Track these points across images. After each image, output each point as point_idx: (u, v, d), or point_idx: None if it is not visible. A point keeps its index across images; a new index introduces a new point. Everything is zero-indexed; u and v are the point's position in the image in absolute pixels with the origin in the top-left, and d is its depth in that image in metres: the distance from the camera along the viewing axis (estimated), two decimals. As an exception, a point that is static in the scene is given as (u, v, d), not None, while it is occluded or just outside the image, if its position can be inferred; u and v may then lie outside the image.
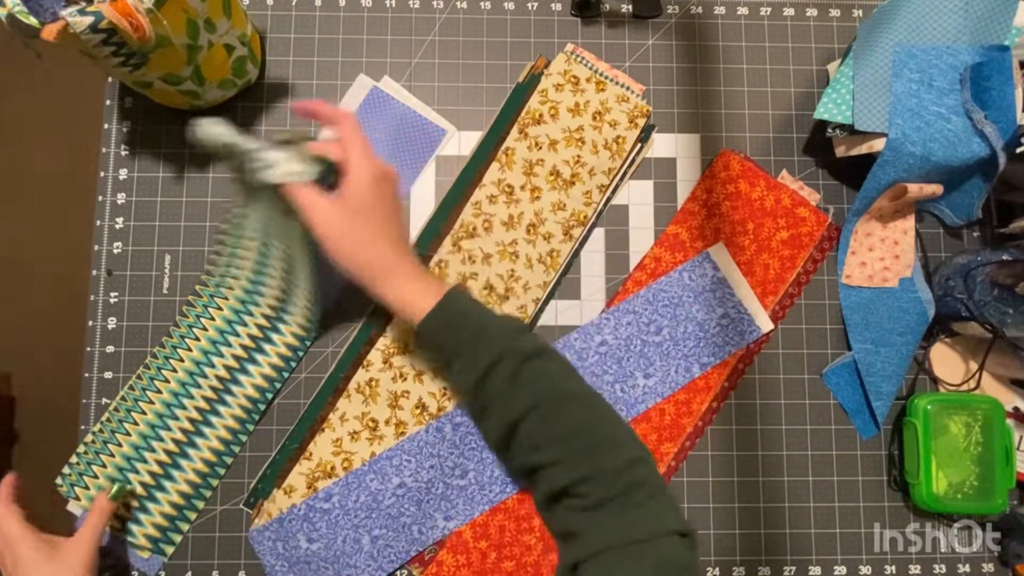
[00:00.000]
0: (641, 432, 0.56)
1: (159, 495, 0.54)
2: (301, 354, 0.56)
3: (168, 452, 0.54)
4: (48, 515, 0.53)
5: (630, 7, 0.61)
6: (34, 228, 1.30)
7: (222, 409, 0.55)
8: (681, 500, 0.57)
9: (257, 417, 0.55)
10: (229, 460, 0.55)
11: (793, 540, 0.56)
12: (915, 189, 0.53)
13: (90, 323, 0.57)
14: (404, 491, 0.54)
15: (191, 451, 0.54)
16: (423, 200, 0.59)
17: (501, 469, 0.54)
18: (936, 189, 0.54)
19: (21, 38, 0.41)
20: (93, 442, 0.54)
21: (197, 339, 0.56)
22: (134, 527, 0.54)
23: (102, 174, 0.58)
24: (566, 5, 0.62)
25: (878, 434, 0.58)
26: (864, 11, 0.63)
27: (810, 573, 0.56)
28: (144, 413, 0.55)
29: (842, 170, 0.60)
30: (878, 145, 0.54)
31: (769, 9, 0.62)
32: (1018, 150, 0.53)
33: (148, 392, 0.55)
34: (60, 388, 1.19)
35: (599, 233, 0.59)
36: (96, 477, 0.54)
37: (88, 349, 0.56)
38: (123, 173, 0.58)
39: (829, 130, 0.57)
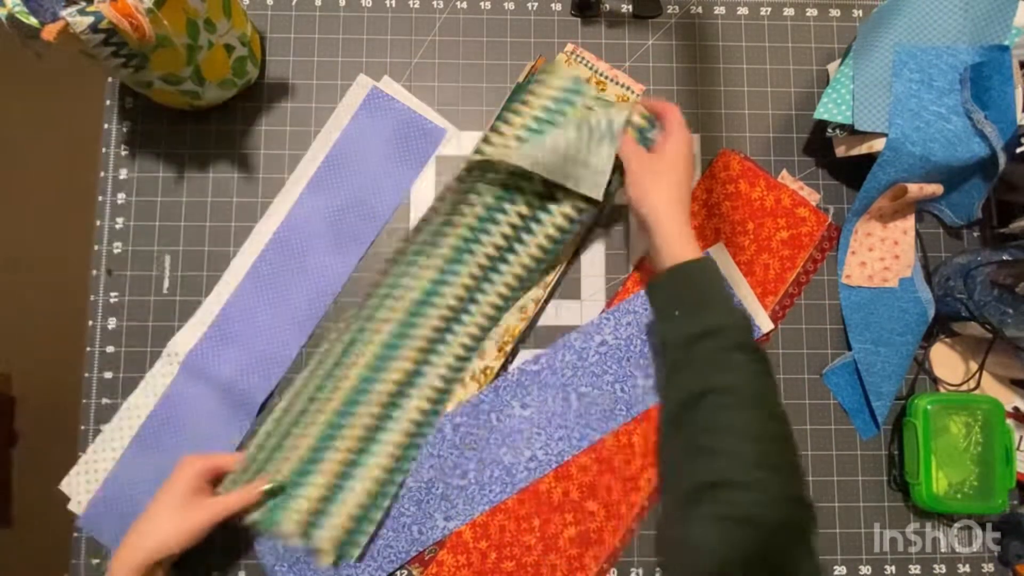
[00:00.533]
0: (641, 432, 0.56)
1: (342, 495, 0.52)
2: (474, 349, 0.55)
3: (349, 450, 0.53)
4: (48, 515, 0.53)
5: (630, 7, 0.61)
6: (34, 228, 1.30)
7: (404, 402, 0.54)
8: (681, 500, 0.57)
9: (446, 402, 0.54)
10: (415, 453, 0.54)
11: (793, 540, 0.56)
12: (915, 189, 0.53)
13: (90, 323, 0.57)
14: (404, 491, 0.54)
15: (374, 447, 0.53)
16: (423, 200, 0.59)
17: (502, 468, 0.54)
18: (936, 189, 0.54)
19: (21, 38, 0.41)
20: (269, 437, 0.53)
21: (378, 331, 0.54)
22: (317, 532, 0.51)
23: (102, 174, 0.58)
24: (566, 5, 0.62)
25: (878, 434, 0.58)
26: (864, 11, 0.63)
27: (810, 573, 0.56)
28: (321, 412, 0.53)
29: (842, 170, 0.60)
30: (878, 145, 0.54)
31: (769, 9, 0.62)
32: (1018, 150, 0.53)
33: (326, 388, 0.53)
34: (60, 388, 1.19)
35: (599, 233, 0.59)
36: (278, 472, 0.52)
37: (88, 349, 0.56)
38: (123, 173, 0.58)
39: (829, 130, 0.57)
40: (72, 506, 0.54)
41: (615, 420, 0.56)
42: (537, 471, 0.55)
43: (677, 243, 0.47)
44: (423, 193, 0.59)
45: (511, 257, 0.55)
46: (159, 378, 0.55)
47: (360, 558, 0.52)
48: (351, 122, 0.58)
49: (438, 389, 0.55)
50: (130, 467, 0.53)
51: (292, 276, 0.57)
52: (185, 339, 0.56)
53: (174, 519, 0.46)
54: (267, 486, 0.50)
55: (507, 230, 0.55)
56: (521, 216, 0.55)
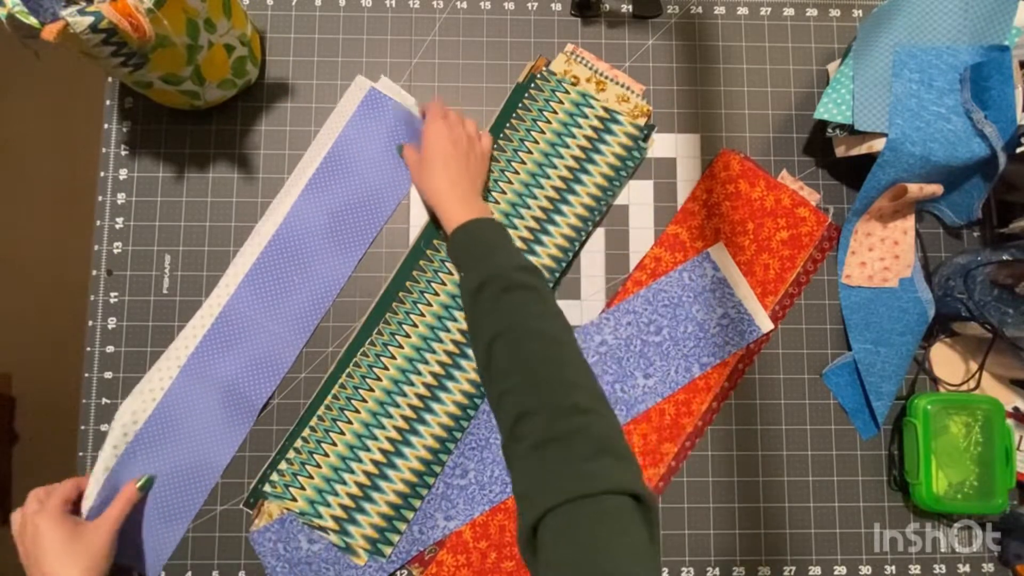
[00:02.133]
0: (641, 432, 0.56)
1: (375, 495, 0.53)
2: None
3: (383, 451, 0.54)
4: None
5: (630, 7, 0.61)
6: (34, 228, 1.30)
7: (436, 407, 0.55)
8: (681, 500, 0.57)
9: (473, 412, 0.55)
10: (445, 457, 0.54)
11: (793, 540, 0.56)
12: (915, 189, 0.53)
13: (90, 323, 0.57)
14: None
15: (406, 449, 0.54)
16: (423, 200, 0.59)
17: (502, 468, 0.54)
18: (936, 189, 0.54)
19: (20, 38, 0.41)
20: (306, 442, 0.54)
21: (408, 335, 0.56)
22: (351, 528, 0.53)
23: (102, 174, 0.58)
24: (566, 5, 0.62)
25: (878, 434, 0.58)
26: (864, 11, 0.63)
27: (810, 573, 0.56)
28: (357, 412, 0.54)
29: (842, 170, 0.60)
30: (878, 145, 0.54)
31: (769, 9, 0.62)
32: (1018, 150, 0.53)
33: (360, 391, 0.55)
34: (60, 388, 1.19)
35: (599, 233, 0.59)
36: (311, 477, 0.53)
37: (88, 349, 0.56)
38: (123, 173, 0.58)
39: (829, 130, 0.57)
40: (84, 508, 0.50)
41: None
42: None
43: (451, 215, 0.52)
44: (423, 193, 0.59)
45: (537, 248, 0.57)
46: (157, 381, 0.55)
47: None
48: (349, 124, 0.58)
49: (470, 393, 0.55)
50: (128, 472, 0.52)
51: (292, 277, 0.56)
52: (185, 341, 0.55)
53: (77, 560, 0.45)
54: (139, 483, 0.52)
55: (527, 230, 0.57)
56: (537, 220, 0.57)
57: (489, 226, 0.51)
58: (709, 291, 0.57)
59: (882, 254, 0.58)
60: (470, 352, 0.56)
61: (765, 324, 0.57)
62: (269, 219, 0.57)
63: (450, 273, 0.57)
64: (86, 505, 0.50)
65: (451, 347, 0.56)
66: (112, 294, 0.57)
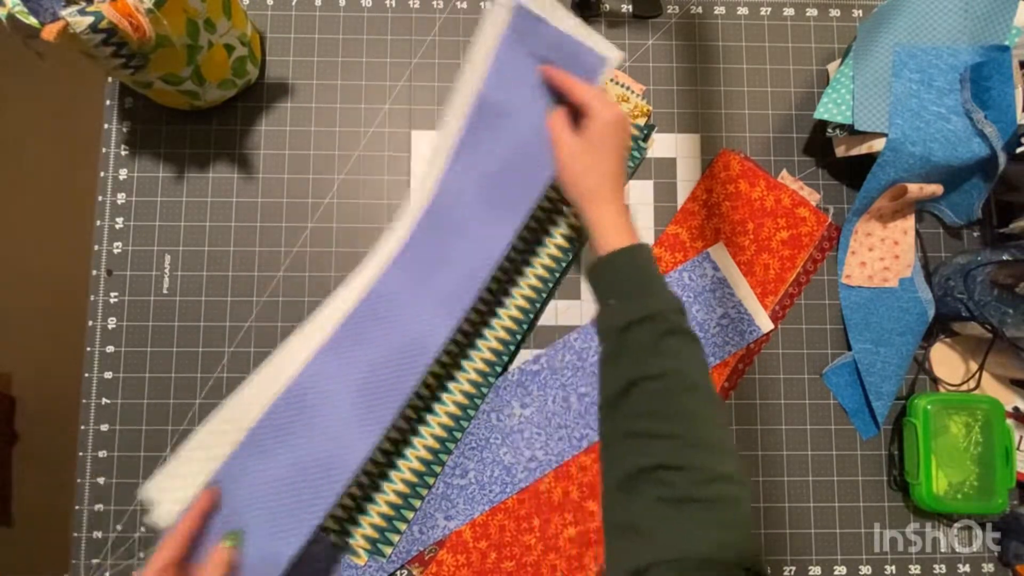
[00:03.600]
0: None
1: (376, 495, 0.53)
2: (515, 343, 0.56)
3: (383, 451, 0.53)
4: (48, 515, 0.53)
5: (630, 7, 0.61)
6: (34, 228, 1.30)
7: (436, 407, 0.55)
8: (681, 500, 0.57)
9: (473, 413, 0.55)
10: (445, 457, 0.54)
11: (793, 540, 0.56)
12: (915, 189, 0.53)
13: (90, 323, 0.57)
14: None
15: (406, 449, 0.54)
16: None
17: (502, 468, 0.54)
18: (936, 189, 0.54)
19: (21, 38, 0.41)
20: None
21: None
22: (352, 528, 0.53)
23: (102, 174, 0.58)
24: (566, 5, 0.62)
25: (878, 434, 0.58)
26: (864, 11, 0.63)
27: (810, 573, 0.56)
28: None
29: (842, 170, 0.60)
30: (878, 145, 0.54)
31: (769, 9, 0.62)
32: (1018, 150, 0.53)
33: None
34: (60, 388, 1.19)
35: (599, 233, 0.59)
36: None
37: (88, 349, 0.56)
38: (123, 173, 0.58)
39: (829, 130, 0.57)
40: (157, 516, 0.45)
41: None
42: (537, 471, 0.55)
43: (612, 229, 0.46)
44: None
45: (537, 248, 0.57)
46: (289, 363, 0.47)
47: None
48: (493, 64, 0.47)
49: (470, 394, 0.55)
50: (235, 474, 0.45)
51: (446, 253, 0.49)
52: (322, 322, 0.49)
53: None
54: (227, 542, 0.44)
55: (526, 230, 0.57)
56: (537, 220, 0.57)
57: (649, 255, 0.46)
58: (709, 291, 0.57)
59: (882, 254, 0.58)
60: (471, 353, 0.56)
61: (765, 324, 0.57)
62: (419, 192, 0.50)
63: None
64: (175, 509, 0.44)
65: (452, 347, 0.56)
66: (112, 294, 0.57)
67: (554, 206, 0.58)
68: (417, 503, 0.54)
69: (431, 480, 0.54)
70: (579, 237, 0.58)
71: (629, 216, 0.47)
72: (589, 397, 0.56)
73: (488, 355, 0.55)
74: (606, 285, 0.46)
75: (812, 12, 0.62)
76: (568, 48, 0.48)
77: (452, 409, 0.55)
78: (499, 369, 0.56)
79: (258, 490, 0.45)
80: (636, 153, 0.59)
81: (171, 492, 0.45)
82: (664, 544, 0.36)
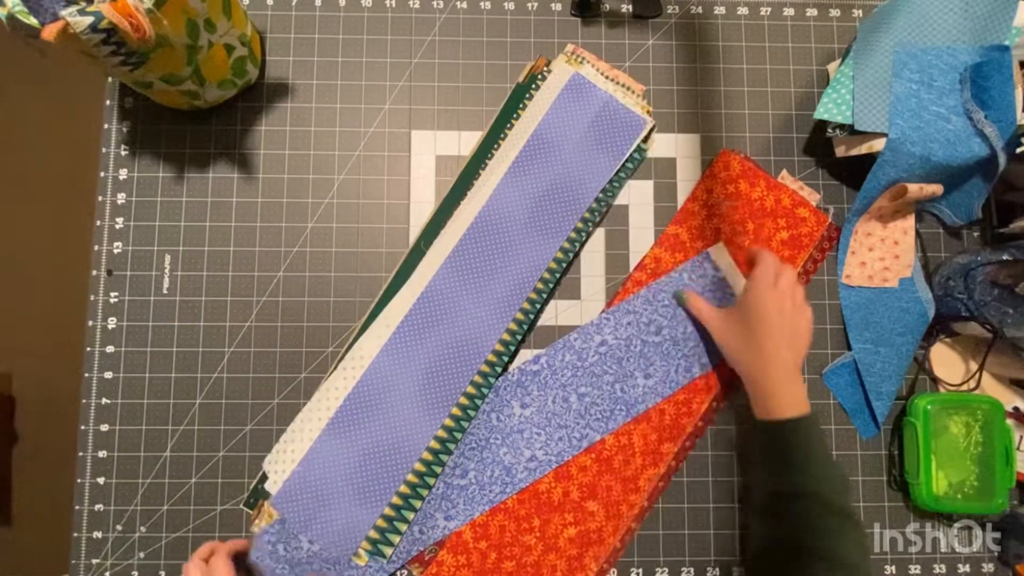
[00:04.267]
0: (641, 432, 0.56)
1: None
2: (516, 344, 0.56)
3: None
4: (48, 515, 0.53)
5: (630, 7, 0.61)
6: (34, 228, 1.30)
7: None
8: (681, 500, 0.57)
9: (473, 413, 0.55)
10: (445, 458, 0.54)
11: (793, 540, 0.56)
12: (915, 189, 0.53)
13: (90, 323, 0.57)
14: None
15: None
16: (423, 200, 0.59)
17: (502, 468, 0.54)
18: (936, 189, 0.54)
19: (21, 38, 0.41)
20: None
21: None
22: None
23: (102, 174, 0.58)
24: (566, 5, 0.62)
25: (878, 434, 0.58)
26: (864, 11, 0.63)
27: (810, 573, 0.56)
28: None
29: (842, 170, 0.60)
30: (878, 145, 0.54)
31: (769, 9, 0.62)
32: (1018, 150, 0.53)
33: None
34: (60, 388, 1.20)
35: (599, 233, 0.59)
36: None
37: (88, 349, 0.56)
38: (123, 173, 0.58)
39: (829, 130, 0.57)
40: (268, 486, 0.53)
41: (615, 420, 0.56)
42: (537, 471, 0.55)
43: (773, 401, 0.48)
44: (423, 193, 0.59)
45: None
46: (358, 359, 0.55)
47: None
48: (552, 109, 0.58)
49: (471, 394, 0.55)
50: (324, 450, 0.53)
51: (494, 261, 0.56)
52: (386, 320, 0.55)
53: None
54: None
55: None
56: None
57: (815, 429, 0.47)
58: (709, 291, 0.57)
59: (882, 254, 0.58)
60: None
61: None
62: (472, 201, 0.57)
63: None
64: (280, 480, 0.53)
65: None
66: (112, 294, 0.57)
67: None
68: (418, 503, 0.54)
69: (431, 480, 0.54)
70: (579, 240, 0.58)
71: (796, 388, 0.48)
72: (589, 397, 0.56)
73: (489, 355, 0.55)
74: (767, 451, 0.48)
75: (812, 12, 0.62)
76: (613, 107, 0.58)
77: (453, 410, 0.55)
78: (499, 369, 0.56)
79: (341, 468, 0.53)
80: (636, 153, 0.59)
81: (276, 466, 0.54)
82: None
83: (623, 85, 0.60)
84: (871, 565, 0.46)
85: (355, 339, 0.56)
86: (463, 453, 0.55)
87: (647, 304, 0.57)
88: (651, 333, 0.57)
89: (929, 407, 0.54)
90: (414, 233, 0.58)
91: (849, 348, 0.58)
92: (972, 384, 0.57)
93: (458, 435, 0.55)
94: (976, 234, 0.60)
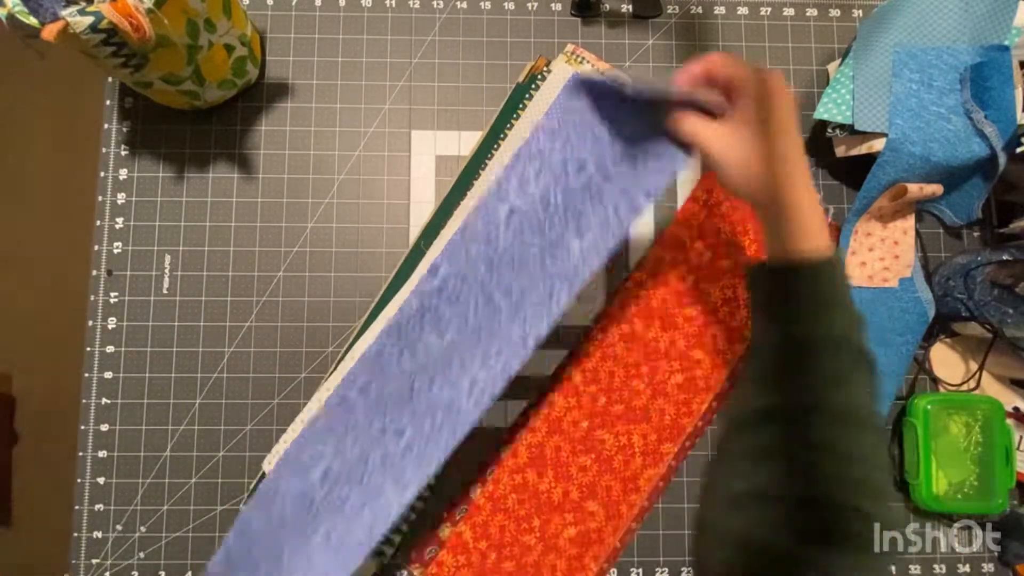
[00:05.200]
0: (641, 432, 0.56)
1: None
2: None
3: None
4: (48, 515, 0.53)
5: (630, 7, 0.61)
6: (34, 228, 1.30)
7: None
8: (681, 500, 0.57)
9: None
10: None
11: (793, 540, 0.56)
12: (915, 189, 0.53)
13: (90, 323, 0.57)
14: (329, 481, 0.45)
15: None
16: (423, 200, 0.59)
17: (445, 414, 0.44)
18: (936, 189, 0.54)
19: (21, 38, 0.41)
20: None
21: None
22: None
23: (102, 174, 0.58)
24: (566, 5, 0.62)
25: (878, 434, 0.58)
26: (864, 11, 0.63)
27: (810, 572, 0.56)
28: None
29: (842, 170, 0.60)
30: (878, 145, 0.54)
31: (769, 9, 0.62)
32: (1018, 150, 0.53)
33: None
34: (60, 388, 1.20)
35: (599, 233, 0.59)
36: None
37: (88, 349, 0.56)
38: (123, 173, 0.58)
39: (829, 130, 0.57)
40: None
41: (557, 303, 0.42)
42: (485, 395, 0.43)
43: (800, 223, 0.38)
44: (423, 193, 0.59)
45: None
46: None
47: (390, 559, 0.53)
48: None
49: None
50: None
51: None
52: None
53: None
54: None
55: None
56: None
57: (841, 263, 0.39)
58: (614, 98, 0.42)
59: (882, 254, 0.58)
60: None
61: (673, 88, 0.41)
62: (471, 200, 0.55)
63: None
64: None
65: None
66: (112, 294, 0.57)
67: None
68: (419, 504, 0.54)
69: (432, 482, 0.54)
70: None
71: (822, 214, 0.39)
72: (517, 285, 0.43)
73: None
74: (792, 294, 0.39)
75: (812, 12, 0.62)
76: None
77: None
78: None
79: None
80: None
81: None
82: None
83: (623, 85, 0.59)
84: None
85: (355, 339, 0.56)
86: (386, 412, 0.45)
87: (553, 137, 0.42)
88: (571, 174, 0.42)
89: (929, 407, 0.54)
90: (414, 233, 0.58)
91: (849, 348, 0.58)
92: (972, 384, 0.57)
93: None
94: (976, 234, 0.60)
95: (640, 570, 0.56)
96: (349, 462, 0.45)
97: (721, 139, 0.40)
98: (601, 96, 0.42)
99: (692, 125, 0.40)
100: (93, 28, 0.41)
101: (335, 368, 0.55)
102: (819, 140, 0.59)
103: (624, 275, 0.59)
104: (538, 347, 0.42)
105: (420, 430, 0.44)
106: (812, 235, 0.38)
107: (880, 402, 0.57)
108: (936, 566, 0.57)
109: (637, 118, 0.41)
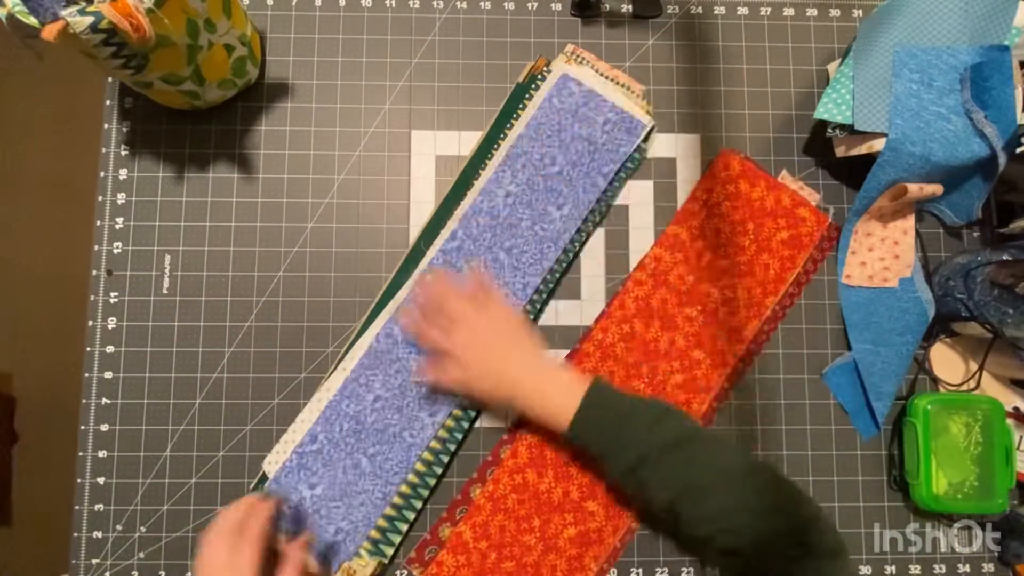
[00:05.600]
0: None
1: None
2: None
3: None
4: (48, 515, 0.53)
5: (630, 7, 0.61)
6: (34, 228, 1.30)
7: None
8: (681, 500, 0.57)
9: (475, 413, 0.55)
10: (445, 458, 0.54)
11: (793, 540, 0.56)
12: (915, 189, 0.53)
13: (90, 323, 0.57)
14: (381, 404, 0.55)
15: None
16: (423, 200, 0.59)
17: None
18: (936, 189, 0.54)
19: (21, 38, 0.41)
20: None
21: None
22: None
23: (102, 174, 0.58)
24: (566, 5, 0.62)
25: (878, 434, 0.58)
26: (864, 11, 0.63)
27: (810, 573, 0.56)
28: None
29: (842, 170, 0.60)
30: (878, 145, 0.54)
31: (769, 9, 0.62)
32: (1018, 150, 0.53)
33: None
34: (60, 388, 1.19)
35: (599, 233, 0.59)
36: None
37: (88, 349, 0.56)
38: (123, 173, 0.58)
39: (829, 130, 0.57)
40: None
41: (547, 259, 0.57)
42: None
43: (555, 389, 0.49)
44: (423, 193, 0.59)
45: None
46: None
47: (392, 558, 0.54)
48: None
49: None
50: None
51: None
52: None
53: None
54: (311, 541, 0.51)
55: None
56: None
57: (604, 394, 0.48)
58: (583, 105, 0.58)
59: (882, 254, 0.58)
60: None
61: (645, 118, 0.58)
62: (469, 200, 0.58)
63: None
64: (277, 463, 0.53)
65: None
66: (112, 294, 0.57)
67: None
68: (418, 503, 0.54)
69: (432, 481, 0.54)
70: (579, 240, 0.58)
71: (552, 371, 0.50)
72: (516, 248, 0.57)
73: None
74: (593, 442, 0.48)
75: (812, 12, 0.62)
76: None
77: (454, 410, 0.55)
78: None
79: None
80: (636, 153, 0.59)
81: (275, 467, 0.54)
82: None
83: (623, 85, 0.60)
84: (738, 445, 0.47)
85: (355, 339, 0.56)
86: (421, 350, 0.55)
87: (532, 142, 0.58)
88: (547, 166, 0.58)
89: (929, 407, 0.54)
90: (414, 233, 0.58)
91: (849, 348, 0.58)
92: (972, 384, 0.57)
93: (458, 435, 0.55)
94: (976, 234, 0.61)
95: (640, 570, 0.56)
96: (393, 391, 0.55)
97: (452, 375, 0.52)
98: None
99: (430, 373, 0.53)
100: (93, 28, 0.41)
101: (335, 368, 0.55)
102: (819, 140, 0.59)
103: (624, 275, 0.59)
104: (534, 294, 0.56)
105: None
106: (569, 405, 0.48)
107: (880, 402, 0.57)
108: (936, 566, 0.57)
109: (587, 126, 0.58)
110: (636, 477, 0.46)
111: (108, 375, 0.56)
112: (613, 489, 0.55)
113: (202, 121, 0.59)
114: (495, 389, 0.50)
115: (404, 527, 0.53)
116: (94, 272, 0.57)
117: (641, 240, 0.59)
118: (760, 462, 0.47)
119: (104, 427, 0.56)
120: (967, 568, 0.57)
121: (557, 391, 0.49)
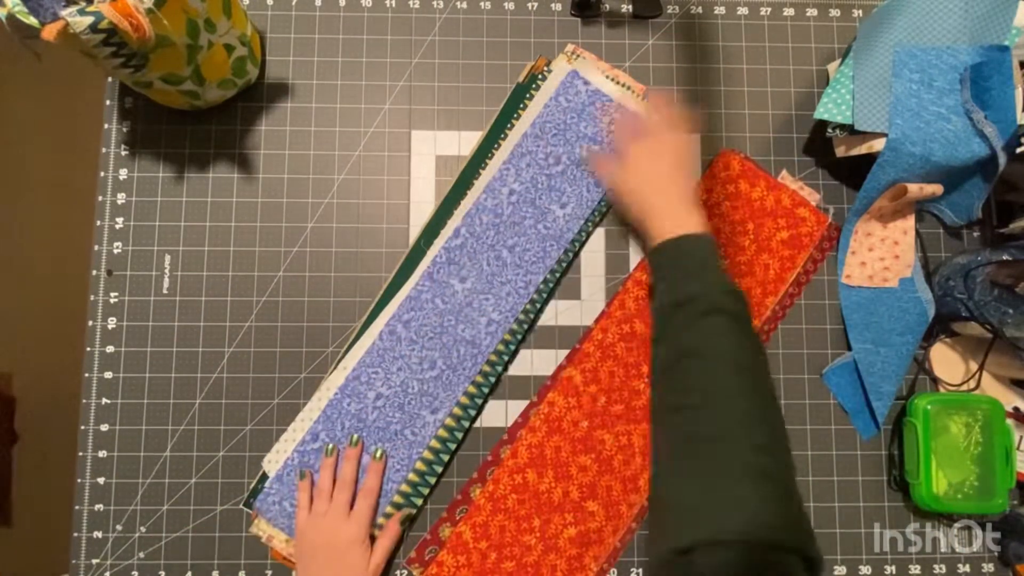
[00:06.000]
0: (640, 432, 0.56)
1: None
2: (516, 344, 0.57)
3: None
4: (48, 515, 0.53)
5: (630, 7, 0.61)
6: (34, 228, 1.30)
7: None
8: (681, 500, 0.56)
9: (474, 412, 0.56)
10: (446, 457, 0.55)
11: (793, 540, 0.56)
12: (915, 189, 0.53)
13: (90, 323, 0.57)
14: (383, 402, 0.55)
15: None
16: (423, 200, 0.59)
17: (465, 344, 0.56)
18: (936, 189, 0.54)
19: (21, 38, 0.41)
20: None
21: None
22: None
23: (102, 174, 0.58)
24: (566, 5, 0.62)
25: (878, 434, 0.58)
26: (864, 11, 0.63)
27: (810, 573, 0.56)
28: None
29: (842, 170, 0.60)
30: (878, 145, 0.54)
31: (769, 9, 0.62)
32: (1018, 150, 0.53)
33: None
34: (60, 388, 1.19)
35: (599, 233, 0.59)
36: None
37: (88, 349, 0.56)
38: (123, 173, 0.58)
39: (829, 130, 0.57)
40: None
41: (550, 257, 0.57)
42: (498, 331, 0.56)
43: (672, 221, 0.49)
44: (423, 193, 0.59)
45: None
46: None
47: (418, 511, 0.55)
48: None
49: (471, 394, 0.55)
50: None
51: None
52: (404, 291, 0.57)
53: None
54: (401, 517, 0.53)
55: None
56: None
57: (702, 243, 0.48)
58: (589, 104, 0.59)
59: (882, 254, 0.58)
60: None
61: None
62: (468, 198, 0.59)
63: None
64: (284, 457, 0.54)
65: None
66: (112, 294, 0.57)
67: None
68: (418, 502, 0.54)
69: (432, 480, 0.54)
70: (580, 240, 0.58)
71: (688, 209, 0.50)
72: (519, 246, 0.57)
73: (491, 355, 0.56)
74: (661, 268, 0.49)
75: (812, 12, 0.62)
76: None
77: (454, 409, 0.55)
78: (500, 369, 0.56)
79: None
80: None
81: (275, 466, 0.55)
82: (702, 522, 0.36)
83: (623, 85, 0.60)
84: (763, 367, 0.43)
85: (356, 339, 0.56)
86: (423, 346, 0.56)
87: (537, 140, 0.58)
88: (551, 165, 0.58)
89: (929, 407, 0.54)
90: (414, 233, 0.58)
91: (849, 348, 0.58)
92: (972, 384, 0.57)
93: (459, 435, 0.55)
94: (976, 234, 0.60)
95: (640, 570, 0.56)
96: (394, 388, 0.55)
97: (614, 173, 0.55)
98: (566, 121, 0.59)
99: (595, 162, 0.58)
100: (93, 28, 0.41)
101: (335, 367, 0.55)
102: (819, 140, 0.59)
103: (624, 275, 0.59)
104: (536, 293, 0.57)
105: (448, 360, 0.56)
106: (681, 228, 0.48)
107: (880, 402, 0.57)
108: (936, 566, 0.57)
109: (593, 125, 0.60)
110: (677, 315, 0.45)
111: (108, 375, 0.56)
112: (613, 489, 0.55)
113: (202, 121, 0.59)
114: (632, 197, 0.53)
115: (404, 527, 0.53)
116: (94, 272, 0.57)
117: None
118: (782, 430, 0.43)
119: (104, 427, 0.56)
120: (967, 568, 0.57)
121: (672, 229, 0.49)
